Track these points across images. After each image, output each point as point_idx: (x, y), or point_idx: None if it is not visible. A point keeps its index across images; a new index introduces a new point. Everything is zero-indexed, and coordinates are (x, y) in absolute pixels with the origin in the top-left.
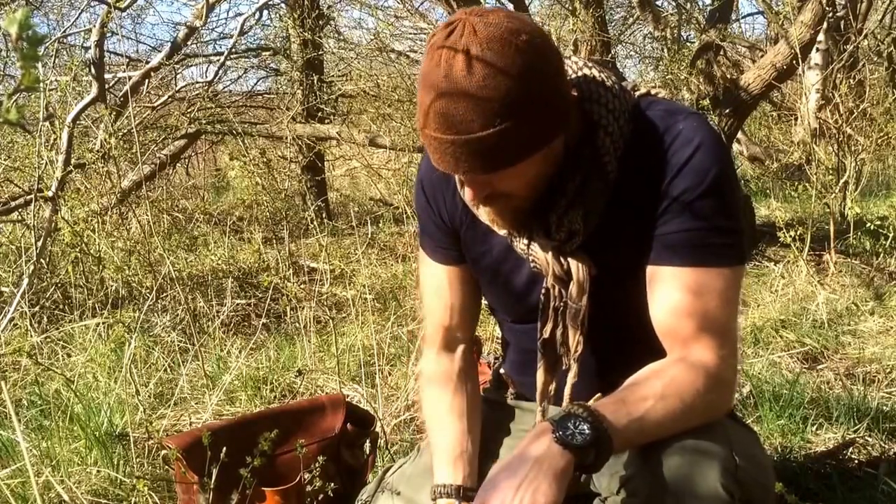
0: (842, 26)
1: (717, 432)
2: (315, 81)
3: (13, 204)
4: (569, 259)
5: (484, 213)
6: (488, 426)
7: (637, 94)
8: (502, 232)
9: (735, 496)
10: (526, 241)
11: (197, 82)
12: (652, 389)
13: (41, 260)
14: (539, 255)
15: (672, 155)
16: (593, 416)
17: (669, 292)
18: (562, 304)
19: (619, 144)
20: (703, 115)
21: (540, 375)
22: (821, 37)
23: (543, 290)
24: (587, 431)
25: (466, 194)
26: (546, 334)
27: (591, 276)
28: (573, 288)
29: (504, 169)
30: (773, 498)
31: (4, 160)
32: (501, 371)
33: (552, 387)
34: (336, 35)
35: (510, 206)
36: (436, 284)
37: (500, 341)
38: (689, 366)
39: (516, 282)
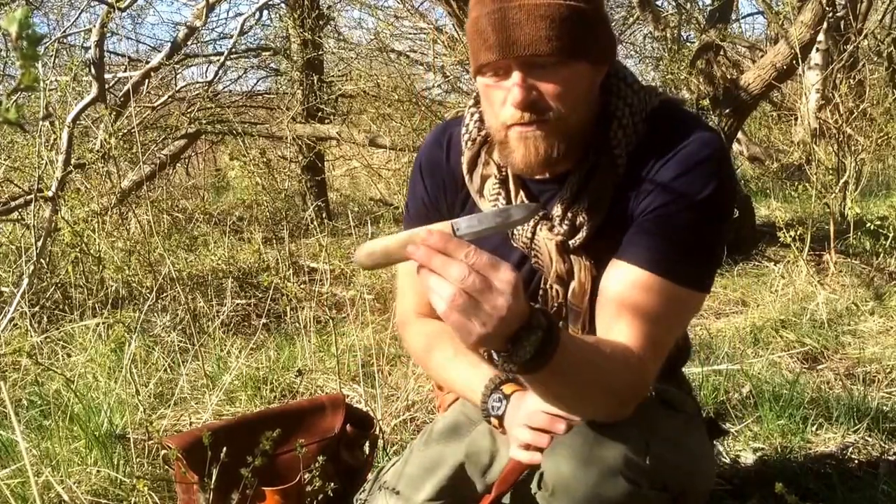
0: (842, 26)
1: (632, 421)
2: (315, 81)
3: (13, 204)
4: (571, 257)
5: (516, 139)
6: (474, 418)
7: (659, 98)
8: None
9: (641, 484)
10: (529, 235)
11: (197, 82)
12: (602, 346)
13: (41, 260)
14: (542, 251)
15: (679, 160)
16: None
17: (621, 286)
18: (557, 304)
19: (632, 140)
20: (720, 134)
21: None
22: (821, 37)
23: (541, 292)
24: (530, 353)
25: (515, 94)
26: None
27: (593, 277)
28: (575, 288)
29: (562, 57)
30: (705, 482)
31: (4, 160)
32: None
33: None
34: (336, 35)
35: (544, 129)
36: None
37: None
38: (625, 347)
39: None
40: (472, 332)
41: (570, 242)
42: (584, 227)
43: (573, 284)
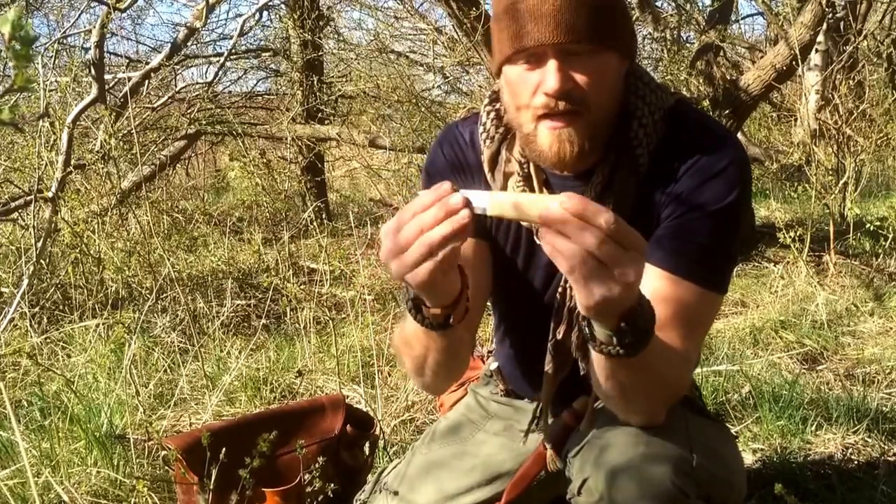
0: (841, 27)
1: (675, 428)
2: (315, 82)
3: (13, 204)
4: None
5: (546, 134)
6: (476, 420)
7: (674, 98)
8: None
9: (690, 493)
10: None
11: (197, 83)
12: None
13: (41, 261)
14: None
15: (701, 169)
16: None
17: (648, 289)
18: (575, 304)
19: (652, 139)
20: (738, 139)
21: (547, 378)
22: (820, 38)
23: (560, 290)
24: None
25: (550, 81)
26: (559, 335)
27: None
28: None
29: (598, 46)
30: (739, 495)
31: (4, 161)
32: (493, 367)
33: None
34: (336, 36)
35: (576, 124)
36: None
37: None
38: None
39: (531, 278)
40: (595, 293)
41: None
42: None
43: None
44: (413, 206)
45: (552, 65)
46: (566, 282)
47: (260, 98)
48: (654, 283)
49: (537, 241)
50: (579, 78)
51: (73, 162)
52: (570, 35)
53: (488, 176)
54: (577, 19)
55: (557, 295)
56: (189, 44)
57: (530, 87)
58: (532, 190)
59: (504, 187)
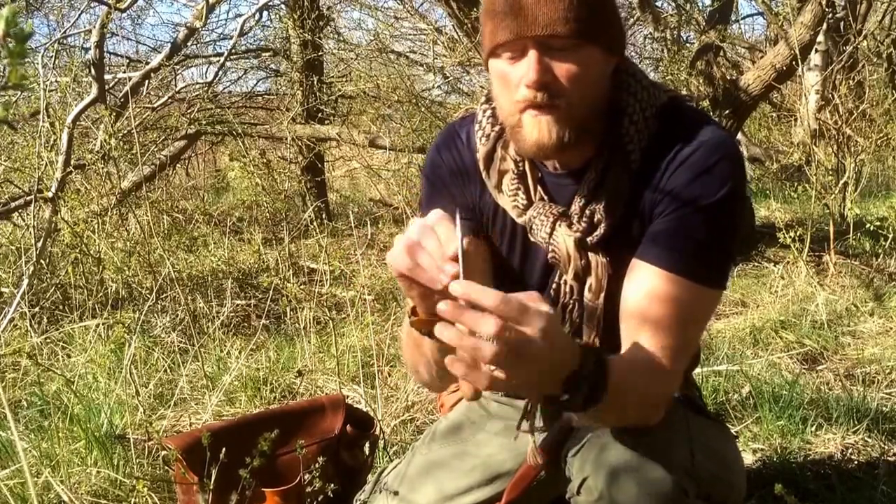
0: (841, 27)
1: (676, 428)
2: (315, 82)
3: (13, 205)
4: (589, 254)
5: (529, 123)
6: (477, 420)
7: (668, 95)
8: (521, 220)
9: (689, 492)
10: (548, 231)
11: (197, 83)
12: (637, 361)
13: (41, 261)
14: (560, 247)
15: (693, 164)
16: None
17: (644, 287)
18: (572, 300)
19: (644, 136)
20: (730, 133)
21: None
22: (820, 38)
23: (553, 286)
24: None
25: (530, 73)
26: None
27: (609, 274)
28: (592, 285)
29: (578, 39)
30: (739, 495)
31: (4, 161)
32: None
33: None
34: (336, 36)
35: (556, 114)
36: None
37: None
38: (653, 354)
39: (528, 277)
40: (513, 384)
41: (588, 239)
42: (602, 225)
43: (590, 281)
44: (427, 232)
45: (532, 56)
46: (560, 278)
47: (260, 98)
48: (651, 282)
49: (531, 239)
50: (560, 70)
51: (73, 162)
52: (548, 28)
53: (483, 174)
54: (557, 13)
55: (551, 291)
56: (189, 44)
57: (514, 81)
58: (526, 187)
59: (498, 185)
